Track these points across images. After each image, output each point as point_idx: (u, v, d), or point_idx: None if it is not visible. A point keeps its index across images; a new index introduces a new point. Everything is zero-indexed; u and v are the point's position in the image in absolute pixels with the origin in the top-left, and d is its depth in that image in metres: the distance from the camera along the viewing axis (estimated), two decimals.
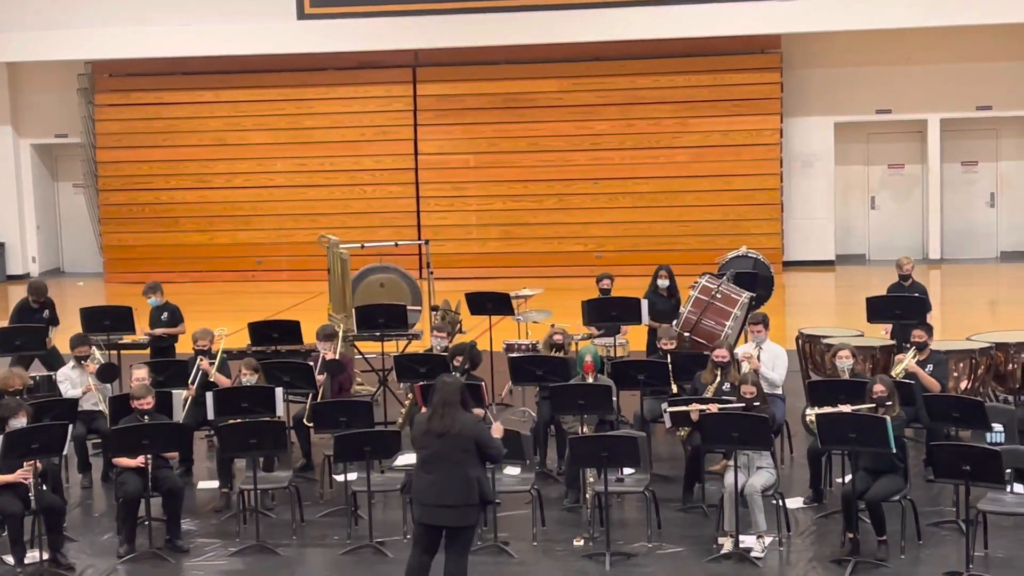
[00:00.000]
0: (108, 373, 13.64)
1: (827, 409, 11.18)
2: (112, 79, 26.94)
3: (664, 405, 11.93)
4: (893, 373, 12.48)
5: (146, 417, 11.57)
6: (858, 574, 10.49)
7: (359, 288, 17.85)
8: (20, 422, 11.07)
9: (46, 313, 16.11)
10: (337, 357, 13.69)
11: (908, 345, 13.18)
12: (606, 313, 15.21)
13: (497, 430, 10.05)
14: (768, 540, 11.06)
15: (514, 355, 14.26)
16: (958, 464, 10.19)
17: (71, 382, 13.42)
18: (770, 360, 13.06)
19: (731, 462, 11.16)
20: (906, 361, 12.79)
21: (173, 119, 26.64)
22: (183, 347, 15.31)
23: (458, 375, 12.83)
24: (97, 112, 26.96)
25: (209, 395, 12.58)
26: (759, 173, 25.34)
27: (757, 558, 10.83)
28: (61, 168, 28.46)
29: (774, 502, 11.31)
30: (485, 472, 9.62)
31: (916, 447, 12.92)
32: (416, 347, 15.95)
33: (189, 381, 13.42)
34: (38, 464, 10.93)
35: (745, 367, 12.67)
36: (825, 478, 12.23)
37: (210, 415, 12.60)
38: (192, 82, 26.56)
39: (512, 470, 11.93)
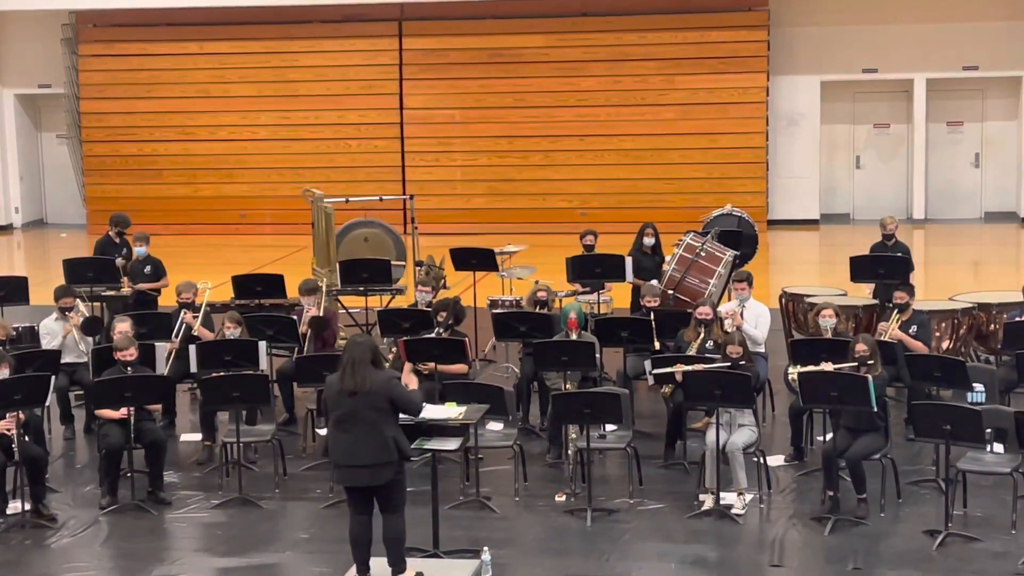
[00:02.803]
0: (93, 327, 13.59)
1: (809, 368, 11.22)
2: (96, 29, 26.77)
3: (647, 363, 11.96)
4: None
5: (129, 369, 11.56)
6: (838, 532, 10.55)
7: (343, 242, 17.81)
8: (2, 373, 11.05)
9: (125, 251, 16.01)
10: (321, 312, 13.68)
11: (890, 305, 13.22)
12: (590, 270, 15.23)
13: (411, 382, 9.90)
14: (749, 497, 11.11)
15: (498, 311, 14.26)
16: (939, 423, 10.24)
17: (52, 335, 13.34)
18: (753, 318, 13.09)
19: (713, 419, 11.20)
20: (890, 328, 12.79)
21: (157, 70, 26.49)
22: (166, 300, 15.28)
23: (441, 330, 12.84)
24: (81, 63, 26.79)
25: (192, 348, 12.57)
26: (745, 131, 25.30)
27: (737, 515, 10.89)
28: (44, 119, 28.30)
29: (755, 460, 11.36)
30: (400, 429, 9.40)
31: (897, 406, 12.99)
32: (400, 302, 15.96)
33: (172, 334, 13.39)
34: (20, 415, 10.93)
35: (728, 325, 12.70)
36: (806, 436, 12.28)
37: (193, 368, 12.60)
38: (177, 33, 26.39)
39: (495, 425, 11.96)
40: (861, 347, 11.10)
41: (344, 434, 9.27)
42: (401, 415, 9.45)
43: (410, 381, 9.90)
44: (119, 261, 15.71)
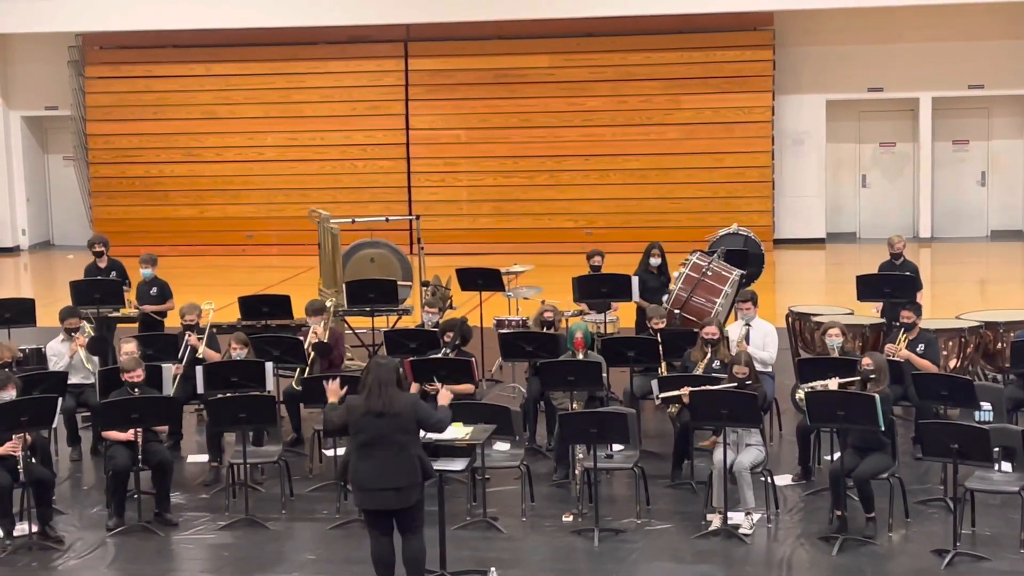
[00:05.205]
0: (98, 347, 13.58)
1: (815, 384, 11.20)
2: (103, 51, 26.85)
3: (654, 383, 11.95)
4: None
5: (136, 390, 11.56)
6: (846, 551, 10.52)
7: (349, 263, 17.82)
8: (9, 395, 11.05)
9: (113, 274, 15.98)
10: (327, 333, 13.66)
11: (896, 324, 13.20)
12: (596, 290, 15.22)
13: (444, 397, 9.89)
14: (756, 517, 11.09)
15: (504, 331, 14.25)
16: (946, 442, 10.22)
17: (59, 356, 13.36)
18: (760, 338, 13.07)
19: (720, 439, 11.18)
20: (898, 347, 12.76)
21: (164, 92, 26.56)
22: (172, 322, 15.28)
23: (447, 350, 12.84)
24: (88, 84, 26.86)
25: (199, 369, 12.57)
26: (750, 151, 25.32)
27: (745, 535, 10.86)
28: (51, 140, 28.36)
29: (763, 479, 11.34)
30: (423, 448, 9.47)
31: (905, 425, 12.96)
32: (406, 322, 15.96)
33: (178, 358, 13.37)
34: (27, 437, 10.93)
35: (736, 338, 12.71)
36: (814, 455, 12.25)
37: (200, 389, 12.60)
38: (183, 55, 26.47)
39: (502, 446, 11.95)
40: (867, 361, 11.08)
41: (370, 458, 9.24)
42: (426, 434, 9.49)
43: (442, 396, 9.83)
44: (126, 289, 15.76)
